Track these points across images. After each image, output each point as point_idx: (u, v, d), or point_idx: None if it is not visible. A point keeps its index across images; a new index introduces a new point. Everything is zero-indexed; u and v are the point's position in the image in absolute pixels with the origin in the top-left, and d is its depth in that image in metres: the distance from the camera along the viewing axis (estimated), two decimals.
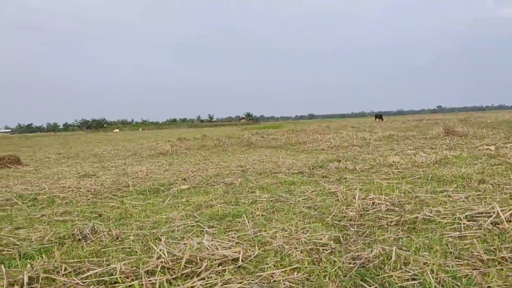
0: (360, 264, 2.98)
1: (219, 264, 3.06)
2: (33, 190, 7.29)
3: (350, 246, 3.43)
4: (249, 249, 3.40)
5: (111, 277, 2.86)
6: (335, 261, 3.08)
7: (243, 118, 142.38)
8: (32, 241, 3.97)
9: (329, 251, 3.32)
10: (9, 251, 3.69)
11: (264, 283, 2.75)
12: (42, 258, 3.32)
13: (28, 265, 3.02)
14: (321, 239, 3.58)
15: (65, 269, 3.00)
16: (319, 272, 2.90)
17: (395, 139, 15.44)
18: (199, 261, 3.06)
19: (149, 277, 2.79)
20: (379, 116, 57.12)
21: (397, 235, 3.67)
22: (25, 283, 2.73)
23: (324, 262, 3.07)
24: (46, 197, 6.57)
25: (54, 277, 2.87)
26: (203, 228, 4.27)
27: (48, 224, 4.80)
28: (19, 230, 4.52)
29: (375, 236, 3.68)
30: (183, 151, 15.08)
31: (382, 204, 4.71)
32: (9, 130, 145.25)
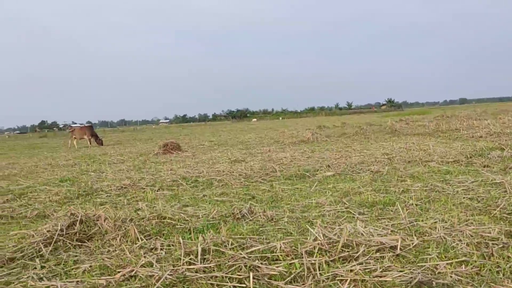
0: None
1: (377, 251, 3.01)
2: (193, 173, 8.11)
3: None
4: (407, 238, 3.27)
5: (273, 254, 3.05)
6: (509, 257, 2.77)
7: (384, 104, 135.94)
8: (199, 218, 4.44)
9: (501, 245, 2.99)
10: (181, 225, 4.19)
11: (428, 274, 2.62)
12: (210, 233, 3.70)
13: (201, 238, 3.39)
14: (490, 233, 3.25)
15: (231, 244, 3.30)
16: (491, 267, 2.65)
17: None
18: (355, 246, 3.06)
19: (308, 257, 2.90)
20: None
21: None
22: (199, 254, 3.08)
23: (496, 257, 2.79)
24: (205, 179, 7.26)
25: (223, 250, 3.17)
26: (354, 214, 4.25)
27: (209, 203, 5.31)
28: (186, 208, 5.09)
29: None
30: (323, 138, 15.12)
31: None
32: (168, 120, 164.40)
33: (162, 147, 13.73)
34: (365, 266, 2.77)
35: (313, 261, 2.83)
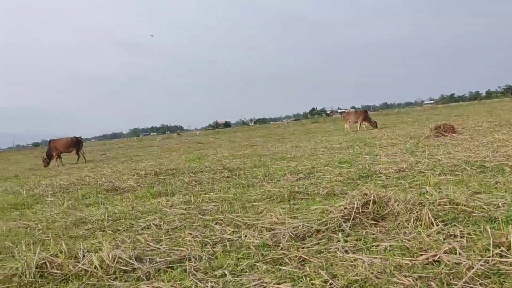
0: None
1: None
2: (476, 157, 7.36)
3: None
4: None
5: None
6: None
7: None
8: (499, 207, 3.99)
9: None
10: (478, 213, 3.86)
11: None
12: None
13: (511, 229, 3.04)
14: None
15: None
16: None
17: None
18: None
19: None
20: None
21: None
22: (511, 246, 2.77)
23: None
24: (493, 164, 6.47)
25: None
26: None
27: (505, 192, 4.70)
28: (479, 195, 4.64)
29: None
30: None
31: None
32: (433, 101, 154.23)
33: (434, 130, 13.04)
34: None
35: None
